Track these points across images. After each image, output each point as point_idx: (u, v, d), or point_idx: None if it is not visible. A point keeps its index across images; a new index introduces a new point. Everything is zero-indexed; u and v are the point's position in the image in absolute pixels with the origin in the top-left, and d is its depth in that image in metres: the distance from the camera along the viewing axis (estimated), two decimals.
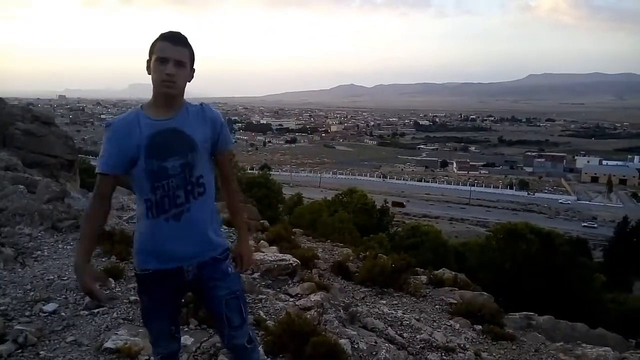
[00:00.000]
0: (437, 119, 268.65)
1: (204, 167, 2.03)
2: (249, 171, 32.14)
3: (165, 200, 1.97)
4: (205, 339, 3.41)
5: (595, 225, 62.01)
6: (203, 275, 2.07)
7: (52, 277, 4.22)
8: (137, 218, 2.07)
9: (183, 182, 1.98)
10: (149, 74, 1.96)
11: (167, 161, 1.94)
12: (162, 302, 2.08)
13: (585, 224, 63.35)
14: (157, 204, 1.97)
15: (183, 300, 2.52)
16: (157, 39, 1.95)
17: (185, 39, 1.98)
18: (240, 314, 2.16)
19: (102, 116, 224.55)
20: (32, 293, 3.90)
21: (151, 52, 1.96)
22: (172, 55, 1.91)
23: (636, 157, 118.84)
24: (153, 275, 2.02)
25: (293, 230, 8.62)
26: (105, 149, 1.96)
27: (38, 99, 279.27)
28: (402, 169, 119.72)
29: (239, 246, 2.23)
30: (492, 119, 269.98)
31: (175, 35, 1.96)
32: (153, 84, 1.95)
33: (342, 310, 4.49)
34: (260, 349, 3.04)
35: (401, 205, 64.50)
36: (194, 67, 2.03)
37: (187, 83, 2.01)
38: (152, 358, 3.09)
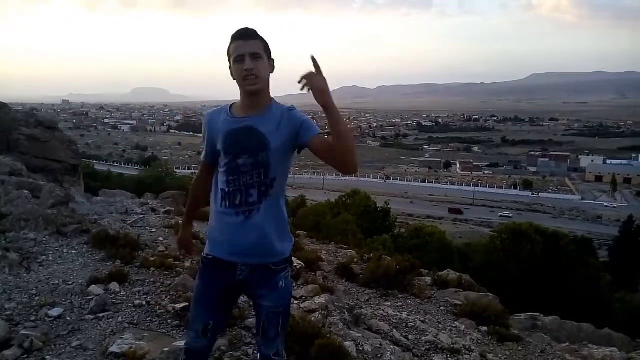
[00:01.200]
0: (440, 120, 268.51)
1: (277, 169, 2.05)
2: None
3: (237, 195, 2.04)
4: None
5: (511, 215, 61.70)
6: (252, 279, 2.10)
7: (57, 282, 4.22)
8: (211, 206, 2.15)
9: (255, 181, 2.03)
10: (234, 78, 2.02)
11: (239, 158, 2.02)
12: (210, 291, 2.13)
13: (501, 214, 64.17)
14: (229, 196, 2.05)
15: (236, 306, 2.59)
16: (230, 41, 2.01)
17: (255, 32, 2.01)
18: (276, 328, 2.16)
19: (106, 120, 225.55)
20: (37, 298, 3.90)
21: (228, 56, 2.02)
22: (245, 50, 1.96)
23: None
24: (211, 263, 2.12)
25: (297, 232, 8.62)
26: (203, 138, 2.17)
27: (42, 104, 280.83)
28: (405, 170, 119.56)
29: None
30: (495, 119, 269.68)
31: (244, 31, 2.00)
32: (238, 85, 2.02)
33: (346, 313, 4.48)
34: None
35: (459, 212, 63.57)
36: (272, 57, 2.06)
37: (270, 75, 2.04)
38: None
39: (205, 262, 2.14)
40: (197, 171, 2.29)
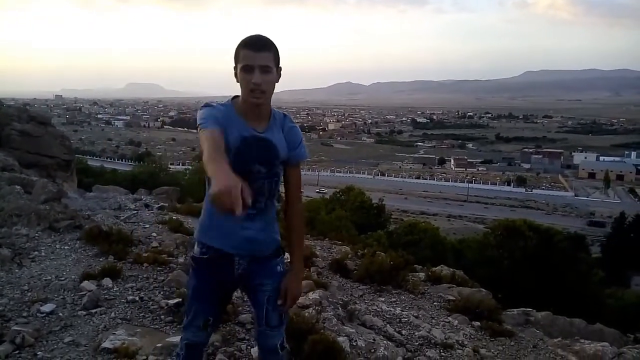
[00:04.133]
0: (434, 117, 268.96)
1: (281, 176, 2.13)
2: None
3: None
4: None
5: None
6: (251, 270, 2.12)
7: (50, 278, 4.21)
8: (206, 204, 2.11)
9: (266, 188, 2.06)
10: (237, 81, 1.97)
11: (252, 165, 2.01)
12: (208, 289, 2.12)
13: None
14: None
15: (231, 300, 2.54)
16: (240, 45, 1.94)
17: (268, 42, 1.95)
18: (280, 315, 2.19)
19: (99, 116, 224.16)
20: (29, 293, 3.89)
21: (236, 60, 1.96)
22: (256, 62, 1.90)
23: (633, 153, 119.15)
24: (208, 260, 2.09)
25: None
26: (206, 113, 1.92)
27: (34, 99, 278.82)
28: (399, 167, 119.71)
29: (288, 278, 2.16)
30: (490, 115, 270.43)
31: (258, 40, 1.94)
32: (242, 92, 1.98)
33: (340, 308, 4.49)
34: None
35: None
36: (279, 66, 2.02)
37: (276, 83, 2.02)
38: (150, 357, 3.09)
39: (200, 261, 2.12)
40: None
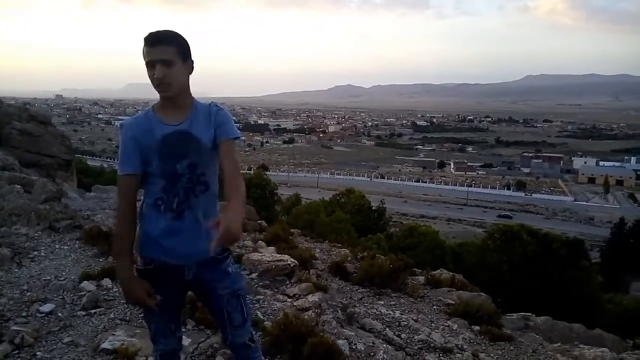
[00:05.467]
0: (434, 120, 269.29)
1: (212, 167, 2.06)
2: (246, 171, 32.10)
3: (174, 199, 1.99)
4: (202, 339, 3.40)
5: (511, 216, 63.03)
6: (202, 275, 2.08)
7: (49, 278, 4.20)
8: (142, 214, 2.05)
9: (194, 183, 2.01)
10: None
11: (177, 162, 1.98)
12: (162, 299, 2.07)
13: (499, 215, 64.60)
14: (164, 202, 1.99)
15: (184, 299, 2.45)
16: (143, 44, 1.94)
17: (166, 36, 1.93)
18: (241, 312, 2.16)
19: (99, 116, 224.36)
20: (28, 293, 3.88)
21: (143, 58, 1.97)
22: (155, 57, 1.90)
23: (633, 158, 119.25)
24: (155, 271, 2.04)
25: (291, 230, 8.61)
26: (124, 150, 1.98)
27: (35, 98, 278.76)
28: (399, 170, 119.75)
29: (224, 214, 1.81)
30: (490, 119, 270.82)
31: (154, 36, 1.92)
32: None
33: (339, 311, 4.48)
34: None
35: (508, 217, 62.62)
36: (189, 57, 2.00)
37: (189, 76, 2.01)
38: (150, 358, 3.08)
39: (146, 273, 2.04)
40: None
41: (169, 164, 1.97)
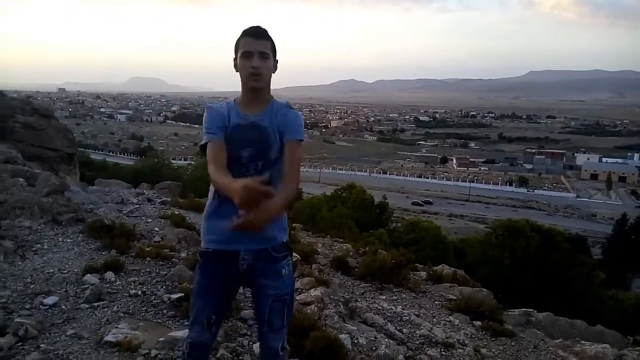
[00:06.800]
0: (437, 115, 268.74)
1: (276, 161, 2.11)
2: None
3: None
4: None
5: (431, 201, 64.99)
6: (256, 268, 2.11)
7: (52, 270, 4.22)
8: (209, 197, 2.16)
9: (257, 172, 2.08)
10: (237, 71, 2.09)
11: (243, 150, 2.08)
12: (212, 284, 2.12)
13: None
14: None
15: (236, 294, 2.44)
16: (240, 35, 2.08)
17: (266, 32, 2.09)
18: (282, 318, 2.16)
19: (102, 109, 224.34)
20: (32, 286, 3.90)
21: (236, 50, 2.09)
22: (255, 48, 2.04)
23: (636, 155, 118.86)
24: (212, 255, 2.12)
25: (293, 225, 8.62)
26: (207, 124, 2.08)
27: (37, 91, 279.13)
28: (402, 165, 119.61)
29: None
30: (492, 115, 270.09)
31: (257, 29, 2.08)
32: (241, 79, 2.09)
33: (342, 306, 4.49)
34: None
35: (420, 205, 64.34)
36: (276, 58, 2.14)
37: (272, 74, 2.13)
38: (153, 351, 3.10)
39: (205, 256, 2.14)
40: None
41: (235, 151, 2.07)
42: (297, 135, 2.13)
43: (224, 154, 2.06)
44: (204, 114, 2.13)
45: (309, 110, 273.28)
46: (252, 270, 2.11)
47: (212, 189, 2.13)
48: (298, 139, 2.13)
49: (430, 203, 66.56)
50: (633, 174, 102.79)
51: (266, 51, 2.06)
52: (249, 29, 2.08)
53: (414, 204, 64.87)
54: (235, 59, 2.09)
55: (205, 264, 2.14)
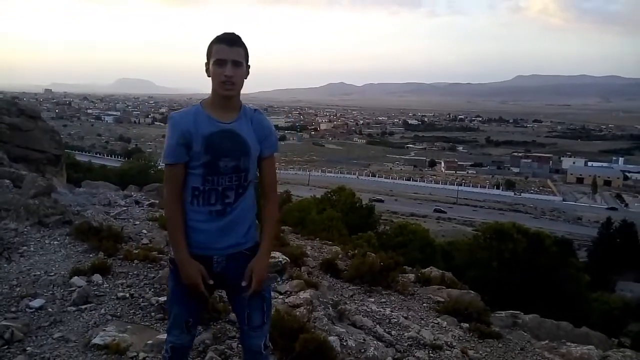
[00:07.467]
0: (425, 119, 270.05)
1: (253, 171, 2.15)
2: None
3: (212, 193, 2.06)
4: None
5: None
6: (230, 269, 2.13)
7: (39, 273, 4.17)
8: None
9: (234, 183, 2.08)
10: (209, 76, 2.07)
11: (220, 160, 2.05)
12: (187, 290, 2.11)
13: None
14: (203, 194, 2.06)
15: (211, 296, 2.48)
16: (213, 41, 2.05)
17: (240, 39, 2.07)
18: (262, 314, 2.19)
19: (89, 111, 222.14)
20: (18, 289, 3.85)
21: (209, 55, 2.06)
22: (229, 56, 2.02)
23: (620, 159, 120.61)
24: None
25: (282, 227, 8.61)
26: (171, 141, 2.05)
27: (23, 92, 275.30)
28: (390, 168, 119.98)
29: (255, 260, 2.13)
30: (480, 119, 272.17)
31: (231, 36, 2.05)
32: (213, 85, 2.06)
33: (331, 308, 4.50)
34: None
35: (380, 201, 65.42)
36: (249, 64, 2.12)
37: (244, 80, 2.12)
38: (141, 353, 3.08)
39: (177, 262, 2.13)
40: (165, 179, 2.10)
41: (212, 159, 2.04)
42: (275, 149, 2.20)
43: (182, 180, 2.07)
44: (167, 127, 2.08)
45: (299, 113, 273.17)
46: (226, 272, 2.13)
47: (186, 191, 2.12)
48: (274, 152, 2.20)
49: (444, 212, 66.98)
50: (618, 178, 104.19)
51: (239, 60, 2.04)
52: (223, 35, 2.05)
53: (436, 210, 65.93)
54: (207, 64, 2.06)
55: (177, 270, 2.12)
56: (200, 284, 2.04)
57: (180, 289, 2.13)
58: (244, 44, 2.07)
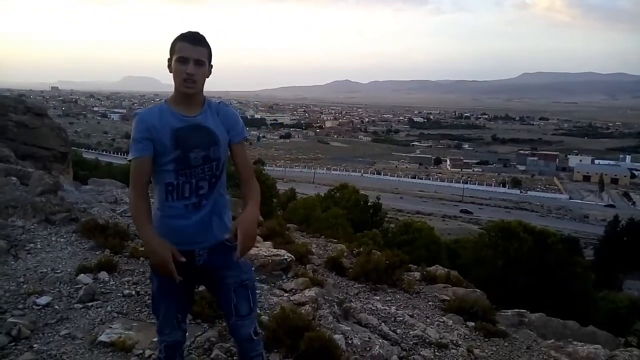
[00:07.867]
0: (431, 116, 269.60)
1: (224, 161, 2.17)
2: None
3: (186, 187, 2.08)
4: (199, 333, 3.41)
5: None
6: (212, 261, 2.14)
7: (46, 270, 4.19)
8: (155, 202, 2.15)
9: (207, 174, 2.11)
10: (170, 72, 2.08)
11: (191, 152, 2.07)
12: (171, 286, 2.11)
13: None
14: (177, 189, 2.08)
15: (195, 289, 2.49)
16: (177, 38, 2.06)
17: (204, 38, 2.09)
18: (248, 303, 2.22)
19: (95, 109, 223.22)
20: (25, 286, 3.87)
21: (172, 52, 2.08)
22: (191, 55, 2.03)
23: (628, 157, 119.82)
24: None
25: (287, 225, 8.62)
26: (136, 137, 2.06)
27: (30, 90, 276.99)
28: (396, 166, 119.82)
29: (240, 217, 2.07)
30: (486, 117, 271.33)
31: (195, 35, 2.07)
32: (175, 83, 2.08)
33: (336, 306, 4.50)
34: None
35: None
36: (211, 63, 2.14)
37: (206, 79, 2.13)
38: (147, 351, 3.09)
39: None
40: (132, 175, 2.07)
41: (182, 153, 2.06)
42: (243, 135, 2.22)
43: (148, 175, 2.07)
44: (133, 124, 2.09)
45: (304, 111, 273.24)
46: (208, 264, 2.15)
47: (158, 188, 2.12)
48: (244, 138, 2.24)
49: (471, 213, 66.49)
50: (625, 176, 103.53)
51: (202, 58, 2.05)
52: (187, 33, 2.07)
53: (463, 211, 65.86)
54: (169, 60, 2.08)
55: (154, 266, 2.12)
56: (170, 262, 1.98)
57: (165, 286, 2.13)
58: (207, 43, 2.09)
